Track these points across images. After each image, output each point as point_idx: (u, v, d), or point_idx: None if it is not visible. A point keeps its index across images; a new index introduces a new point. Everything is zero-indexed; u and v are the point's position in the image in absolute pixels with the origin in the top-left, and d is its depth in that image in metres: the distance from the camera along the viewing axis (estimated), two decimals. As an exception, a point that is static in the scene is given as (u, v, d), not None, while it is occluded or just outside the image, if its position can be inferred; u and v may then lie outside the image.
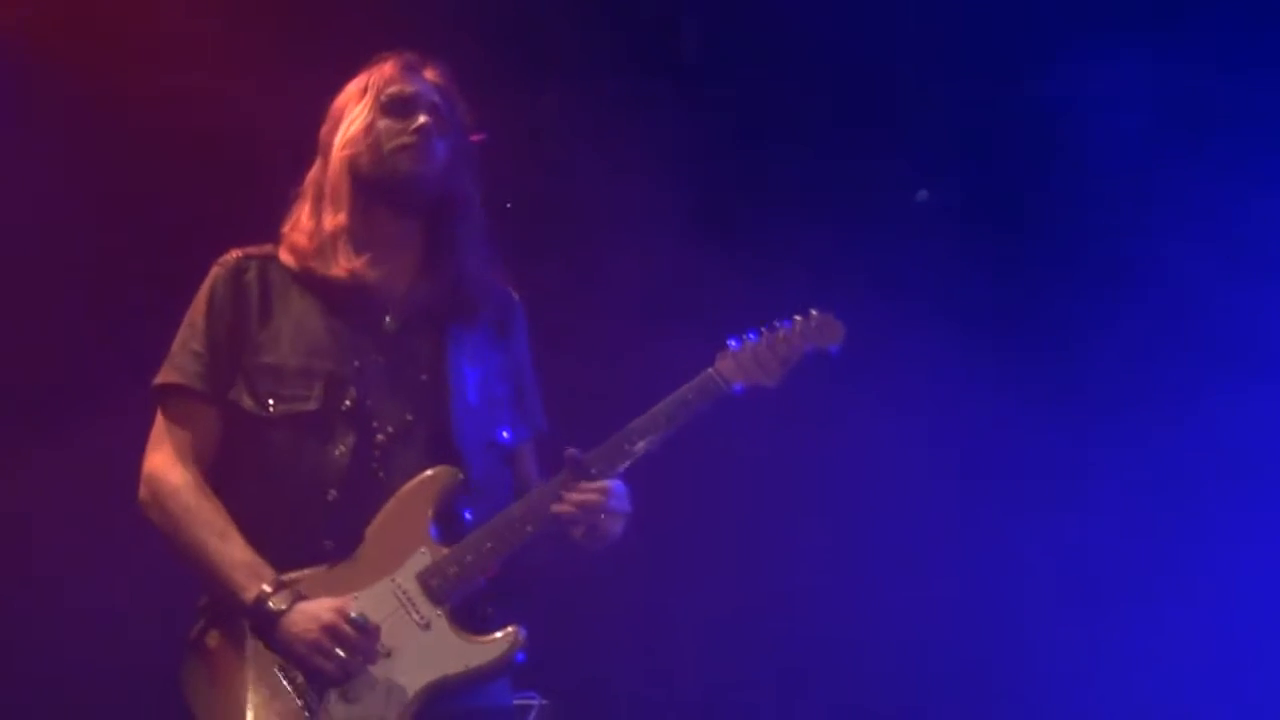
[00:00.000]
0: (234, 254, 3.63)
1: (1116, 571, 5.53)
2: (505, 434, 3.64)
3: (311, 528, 3.48)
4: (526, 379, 3.74)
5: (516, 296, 3.75)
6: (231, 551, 3.44)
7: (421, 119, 3.56)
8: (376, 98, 3.58)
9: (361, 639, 3.38)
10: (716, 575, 5.61)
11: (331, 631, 3.37)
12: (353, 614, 3.38)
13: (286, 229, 3.63)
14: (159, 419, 3.58)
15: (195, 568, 3.49)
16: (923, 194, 5.61)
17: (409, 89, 3.59)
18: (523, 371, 3.73)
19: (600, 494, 3.49)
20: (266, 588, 3.41)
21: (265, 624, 3.40)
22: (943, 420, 5.53)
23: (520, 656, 3.48)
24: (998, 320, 5.58)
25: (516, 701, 3.78)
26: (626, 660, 5.65)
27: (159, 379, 3.58)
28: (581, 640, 5.29)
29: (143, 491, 3.55)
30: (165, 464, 3.52)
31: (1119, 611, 5.54)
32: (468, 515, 3.54)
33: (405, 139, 3.55)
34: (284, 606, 3.38)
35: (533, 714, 4.54)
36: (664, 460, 3.57)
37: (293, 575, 3.45)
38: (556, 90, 5.56)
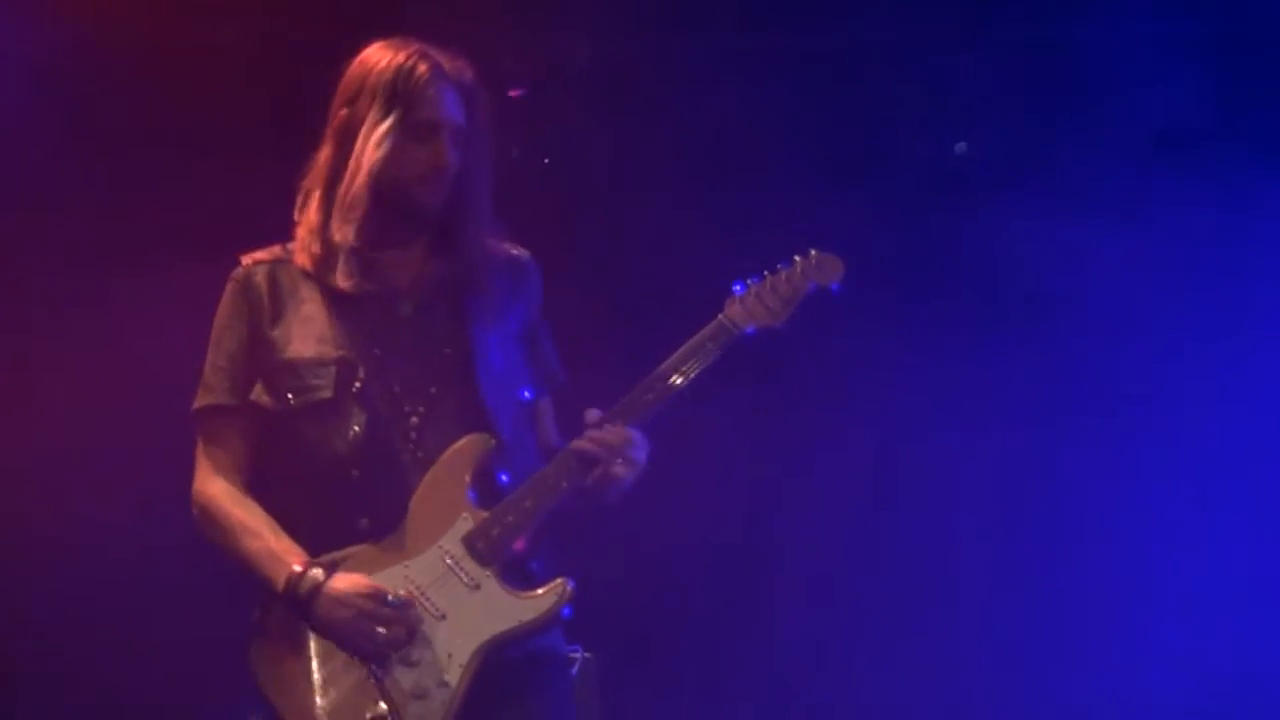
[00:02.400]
0: (244, 263, 3.74)
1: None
2: (526, 393, 3.76)
3: (343, 509, 3.61)
4: (541, 334, 3.84)
5: (527, 255, 3.84)
6: (260, 546, 3.58)
7: (444, 153, 3.61)
8: (403, 117, 3.59)
9: (396, 614, 3.51)
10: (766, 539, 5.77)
11: (370, 616, 3.51)
12: (390, 597, 3.52)
13: (298, 219, 3.72)
14: (199, 441, 3.73)
15: (241, 572, 3.64)
16: (961, 146, 5.59)
17: (436, 114, 3.61)
18: (537, 328, 3.83)
19: (620, 437, 3.60)
20: (296, 568, 3.54)
21: (300, 610, 3.54)
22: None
23: (567, 610, 3.62)
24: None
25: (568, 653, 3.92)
26: (667, 614, 5.80)
27: (196, 404, 3.72)
28: (624, 597, 5.42)
29: (192, 511, 3.71)
30: (204, 480, 3.68)
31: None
32: (503, 478, 3.65)
33: (426, 171, 3.62)
34: (314, 584, 3.51)
35: (577, 665, 4.67)
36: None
37: (338, 554, 3.58)
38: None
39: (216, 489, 3.65)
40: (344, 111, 3.66)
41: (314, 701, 3.53)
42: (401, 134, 3.60)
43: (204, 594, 4.79)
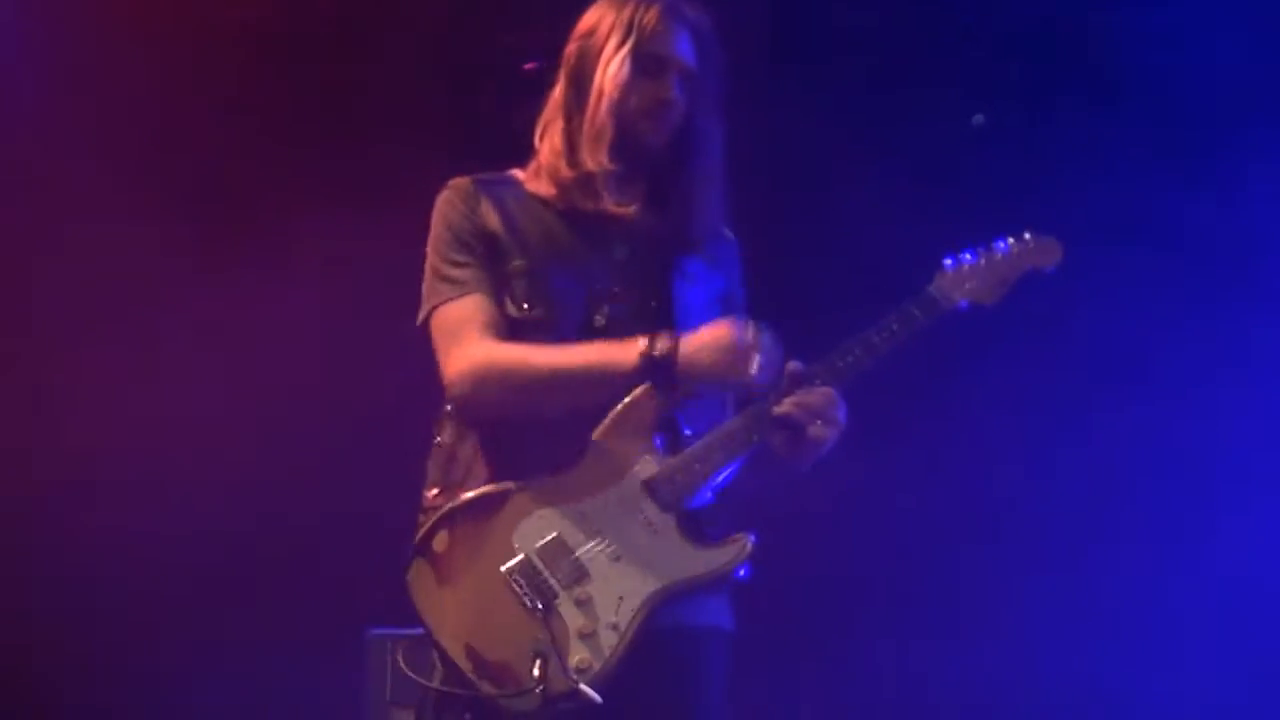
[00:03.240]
0: (460, 178, 3.70)
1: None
2: None
3: (555, 433, 3.52)
4: (738, 310, 3.77)
5: (731, 235, 3.81)
6: (588, 350, 3.50)
7: (670, 89, 3.62)
8: (636, 49, 3.62)
9: (768, 348, 3.45)
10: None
11: (737, 346, 3.44)
12: (749, 334, 3.45)
13: (542, 151, 3.69)
14: (440, 333, 3.60)
15: (562, 390, 3.50)
16: (979, 118, 5.38)
17: (666, 50, 3.64)
18: (735, 308, 3.77)
19: (823, 396, 3.51)
20: (642, 343, 3.47)
21: (660, 369, 3.46)
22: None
23: (745, 569, 3.51)
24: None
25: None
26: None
27: (425, 307, 3.63)
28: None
29: (461, 390, 3.55)
30: (472, 349, 3.55)
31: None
32: (687, 430, 3.57)
33: (651, 105, 3.62)
34: (668, 345, 3.45)
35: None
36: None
37: (514, 485, 3.50)
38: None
39: (494, 344, 3.54)
40: (576, 45, 3.69)
41: (473, 627, 3.44)
42: (633, 65, 3.61)
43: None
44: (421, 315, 3.65)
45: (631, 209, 3.66)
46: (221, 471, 5.62)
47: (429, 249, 3.68)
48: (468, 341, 3.56)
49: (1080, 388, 5.60)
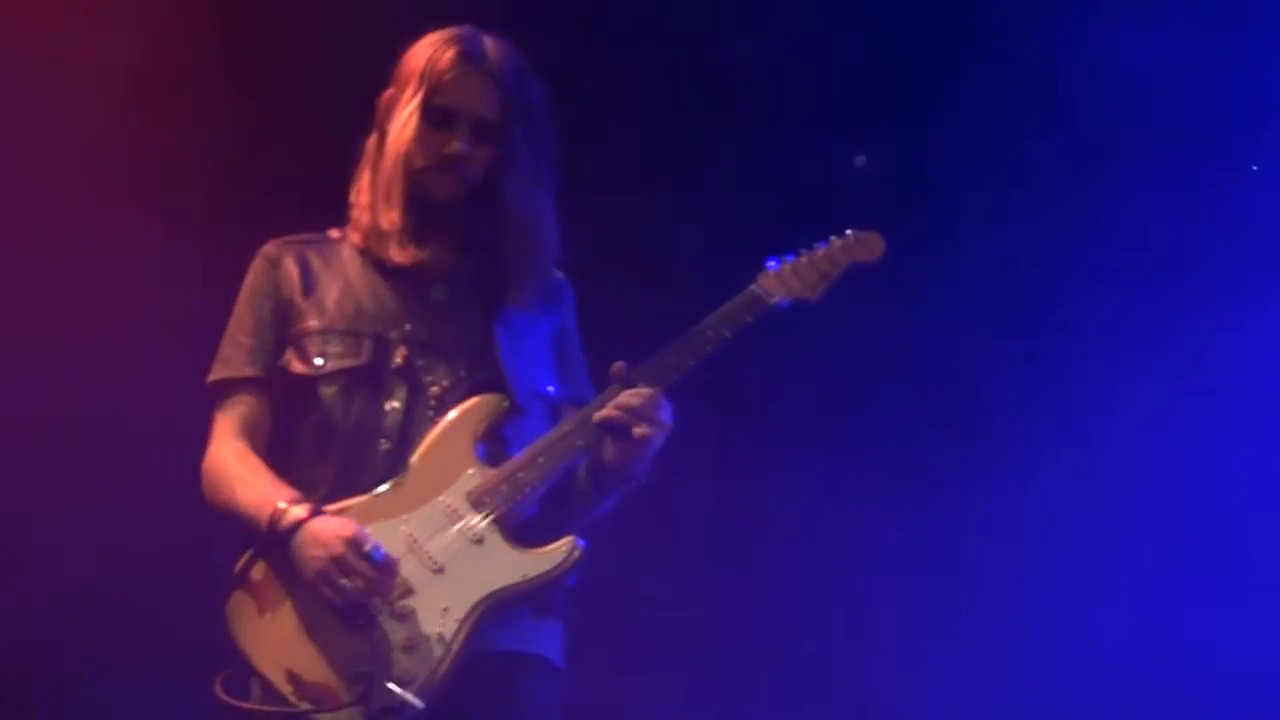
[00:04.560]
0: (273, 243, 3.67)
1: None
2: (551, 388, 3.63)
3: (361, 478, 3.46)
4: (572, 351, 3.73)
5: (562, 275, 3.74)
6: (253, 492, 3.44)
7: (456, 145, 3.53)
8: (425, 101, 3.54)
9: (368, 569, 3.30)
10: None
11: (340, 563, 3.31)
12: (367, 547, 3.32)
13: (352, 200, 3.65)
14: (215, 416, 3.60)
15: (234, 523, 3.48)
16: (861, 159, 5.50)
17: (457, 101, 3.53)
18: (568, 344, 3.72)
19: (642, 397, 3.44)
20: (281, 505, 3.38)
21: (280, 543, 3.37)
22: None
23: (574, 576, 3.44)
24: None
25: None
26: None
27: (210, 377, 3.61)
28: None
29: (203, 484, 3.56)
30: (213, 448, 3.56)
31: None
32: (513, 442, 3.51)
33: (439, 161, 3.54)
34: (300, 516, 3.35)
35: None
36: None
37: (338, 505, 3.42)
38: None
39: (224, 450, 3.52)
40: (387, 94, 3.63)
41: (293, 652, 3.35)
42: (421, 118, 3.53)
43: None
44: (208, 379, 3.62)
45: (451, 254, 3.59)
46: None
47: (233, 311, 3.65)
48: (211, 443, 3.56)
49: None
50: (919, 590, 5.49)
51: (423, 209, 3.57)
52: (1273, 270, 5.40)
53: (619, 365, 3.48)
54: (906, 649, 5.50)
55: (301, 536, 3.34)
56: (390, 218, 3.55)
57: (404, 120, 3.54)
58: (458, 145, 3.52)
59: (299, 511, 3.37)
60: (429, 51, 3.57)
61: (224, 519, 3.50)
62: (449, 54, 3.55)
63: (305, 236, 3.69)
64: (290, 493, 3.41)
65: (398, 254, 3.55)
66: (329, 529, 3.34)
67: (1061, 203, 5.47)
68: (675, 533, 5.44)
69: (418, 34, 3.65)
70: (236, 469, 3.49)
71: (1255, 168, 5.43)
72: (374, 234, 3.58)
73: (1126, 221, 5.42)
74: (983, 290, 5.50)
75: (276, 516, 3.37)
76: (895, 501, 5.47)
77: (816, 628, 5.55)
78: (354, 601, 3.31)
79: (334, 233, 3.70)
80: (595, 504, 3.56)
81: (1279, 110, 5.41)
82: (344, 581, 3.31)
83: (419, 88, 3.54)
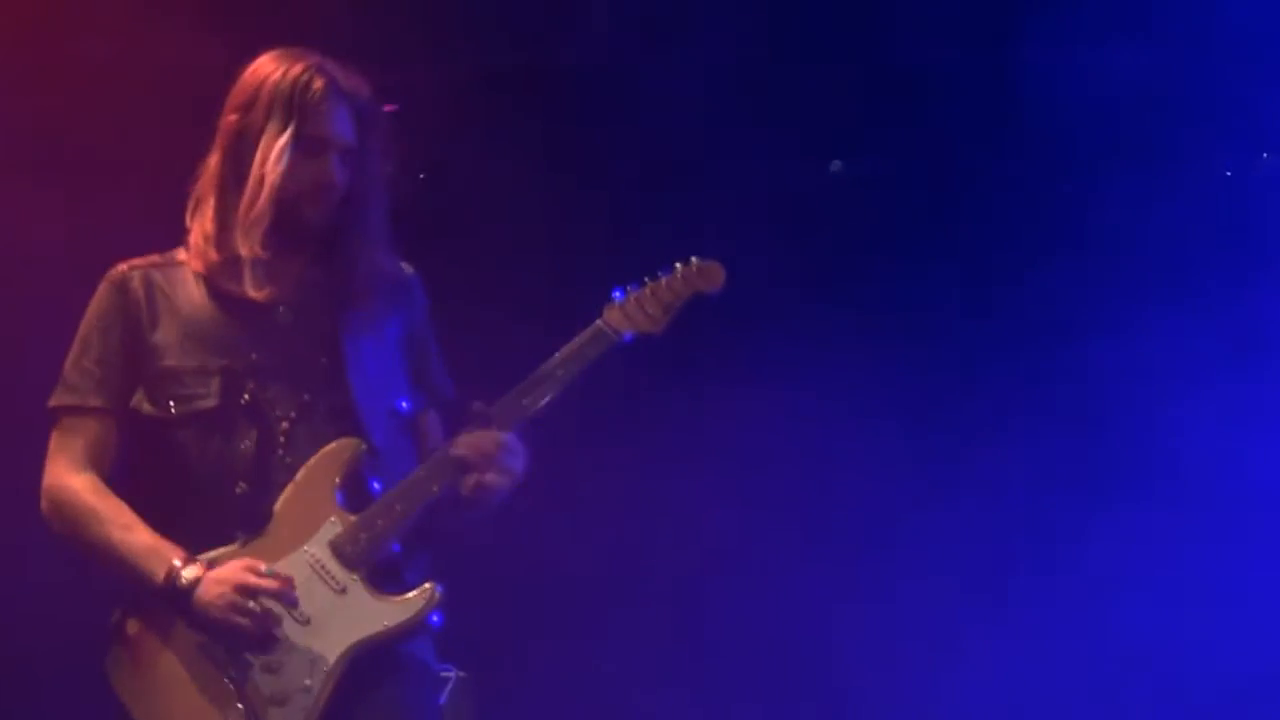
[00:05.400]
0: (120, 267, 3.65)
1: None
2: (404, 404, 3.69)
3: (220, 521, 3.53)
4: (429, 350, 3.78)
5: (411, 271, 3.78)
6: (136, 539, 3.49)
7: (331, 172, 3.56)
8: (297, 131, 3.54)
9: (275, 589, 3.44)
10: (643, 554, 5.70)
11: (243, 588, 3.43)
12: (263, 568, 3.45)
13: (189, 225, 3.64)
14: (54, 437, 3.62)
15: (103, 565, 3.53)
16: (836, 164, 5.59)
17: (326, 130, 3.56)
18: (424, 343, 3.77)
19: (495, 443, 3.54)
20: (176, 563, 3.46)
21: (179, 600, 3.45)
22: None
23: (437, 616, 3.54)
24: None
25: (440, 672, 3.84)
26: (543, 634, 5.71)
27: (54, 401, 3.62)
28: (498, 614, 5.35)
29: (44, 505, 3.59)
30: (62, 473, 3.57)
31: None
32: (376, 485, 3.58)
33: (312, 188, 3.56)
34: (195, 575, 3.44)
35: (449, 685, 4.59)
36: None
37: (207, 555, 3.49)
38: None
39: (79, 482, 3.55)
40: (234, 118, 3.59)
41: (171, 708, 3.46)
42: (294, 148, 3.54)
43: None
44: (50, 402, 3.63)
45: (294, 271, 3.63)
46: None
47: (78, 332, 3.64)
48: (60, 466, 3.58)
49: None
50: (919, 589, 5.62)
51: (285, 234, 3.59)
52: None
53: (477, 405, 3.57)
54: (907, 649, 5.64)
55: (205, 584, 3.44)
56: (253, 247, 3.56)
57: (276, 151, 3.53)
58: (332, 173, 3.57)
59: (194, 571, 3.45)
60: (290, 79, 3.57)
61: (83, 554, 3.55)
62: (318, 84, 3.57)
63: (153, 260, 3.66)
64: (176, 550, 3.47)
65: (252, 289, 3.57)
66: (227, 568, 3.45)
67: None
68: (671, 532, 5.59)
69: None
70: (102, 507, 3.52)
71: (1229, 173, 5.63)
72: (226, 265, 3.58)
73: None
74: (982, 290, 5.65)
75: (173, 575, 3.45)
76: (895, 501, 5.61)
77: (815, 627, 5.67)
78: (266, 620, 3.43)
79: (180, 254, 3.67)
80: (457, 533, 3.66)
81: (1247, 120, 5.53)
82: (252, 605, 3.42)
83: (288, 118, 3.54)
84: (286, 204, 3.56)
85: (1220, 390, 5.47)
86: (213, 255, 3.59)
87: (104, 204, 5.13)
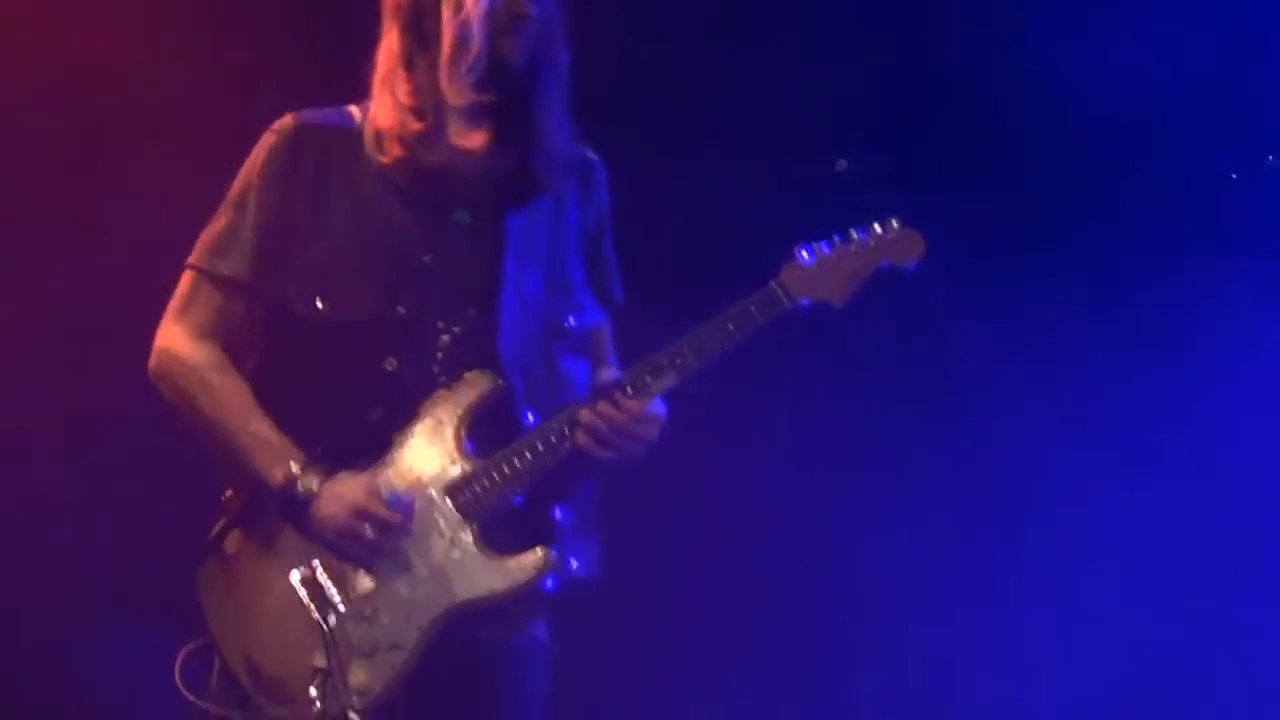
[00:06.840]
0: (290, 121, 3.36)
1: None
2: (572, 320, 3.41)
3: (346, 449, 3.26)
4: (604, 245, 3.51)
5: (596, 158, 3.49)
6: (257, 431, 3.25)
7: (527, 6, 3.29)
8: None
9: (394, 521, 3.20)
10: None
11: (362, 512, 3.19)
12: (385, 493, 3.20)
13: (378, 118, 3.34)
14: (185, 291, 3.34)
15: (215, 449, 3.30)
16: (842, 163, 5.41)
17: None
18: (600, 237, 3.50)
19: (632, 416, 3.26)
20: (295, 468, 3.21)
21: (294, 509, 3.21)
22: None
23: (551, 583, 3.27)
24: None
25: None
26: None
27: (193, 259, 3.34)
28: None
29: (153, 364, 3.34)
30: (185, 338, 3.32)
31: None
32: (529, 416, 3.31)
33: (510, 22, 3.27)
34: (314, 488, 3.20)
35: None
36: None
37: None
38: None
39: (201, 355, 3.30)
40: None
41: (254, 638, 3.23)
42: None
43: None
44: (193, 259, 3.35)
45: (479, 147, 3.33)
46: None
47: (236, 180, 3.35)
48: (178, 328, 3.34)
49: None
50: (918, 591, 5.44)
51: (493, 79, 3.29)
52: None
53: (609, 373, 3.38)
54: (905, 649, 5.50)
55: (316, 504, 3.21)
56: (464, 93, 3.29)
57: None
58: (528, 6, 3.29)
59: (313, 481, 3.21)
60: None
61: (194, 429, 3.32)
62: None
63: (327, 119, 3.38)
64: (297, 453, 3.24)
65: (444, 150, 3.30)
66: (343, 487, 3.21)
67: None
68: (666, 531, 5.37)
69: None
70: (223, 385, 3.29)
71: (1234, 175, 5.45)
72: (424, 133, 3.30)
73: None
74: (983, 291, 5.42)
75: (290, 481, 3.22)
76: (895, 501, 5.41)
77: (815, 627, 5.51)
78: (375, 554, 3.21)
79: (354, 112, 3.40)
80: (580, 491, 3.40)
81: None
82: (368, 531, 3.19)
83: None
84: (490, 45, 3.26)
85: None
86: (413, 126, 3.30)
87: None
